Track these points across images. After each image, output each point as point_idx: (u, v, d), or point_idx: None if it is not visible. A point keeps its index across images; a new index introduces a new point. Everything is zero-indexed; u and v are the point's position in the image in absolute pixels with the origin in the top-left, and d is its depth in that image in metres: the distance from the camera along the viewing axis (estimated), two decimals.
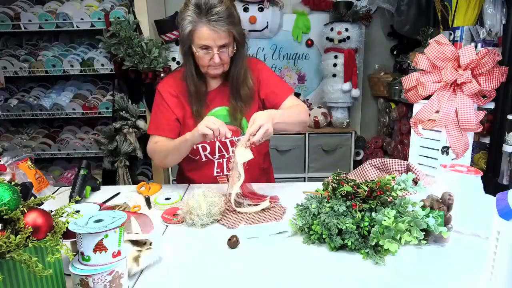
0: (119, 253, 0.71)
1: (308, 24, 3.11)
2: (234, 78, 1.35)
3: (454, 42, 1.90)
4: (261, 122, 1.15)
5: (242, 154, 1.15)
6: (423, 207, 0.93)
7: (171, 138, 1.37)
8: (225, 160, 1.41)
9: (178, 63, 2.66)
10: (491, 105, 1.73)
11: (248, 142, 1.15)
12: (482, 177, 0.99)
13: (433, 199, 0.94)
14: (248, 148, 1.15)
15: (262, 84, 1.40)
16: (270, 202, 1.20)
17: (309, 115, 1.41)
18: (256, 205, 1.18)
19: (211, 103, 1.39)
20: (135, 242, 0.85)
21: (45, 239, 0.65)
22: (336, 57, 2.88)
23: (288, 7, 3.10)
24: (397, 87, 2.66)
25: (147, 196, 1.29)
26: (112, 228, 0.68)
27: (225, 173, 1.43)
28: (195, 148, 1.37)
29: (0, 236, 0.61)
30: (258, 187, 1.34)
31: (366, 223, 0.88)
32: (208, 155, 1.39)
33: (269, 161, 1.61)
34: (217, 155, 1.40)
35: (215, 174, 1.43)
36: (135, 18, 2.53)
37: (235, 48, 1.29)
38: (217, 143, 1.38)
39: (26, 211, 0.67)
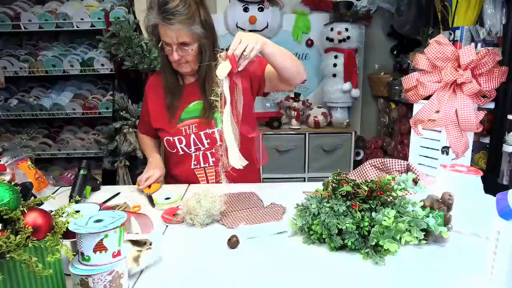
0: (119, 253, 0.71)
1: (308, 24, 3.11)
2: (200, 76, 1.39)
3: (454, 42, 1.90)
4: (241, 37, 1.10)
5: (222, 67, 1.08)
6: (423, 207, 0.93)
7: (145, 134, 1.60)
8: (201, 152, 1.44)
9: None
10: (491, 105, 1.73)
11: (224, 54, 1.09)
12: (482, 177, 0.99)
13: (433, 199, 0.94)
14: (226, 61, 1.08)
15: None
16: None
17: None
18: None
19: (188, 97, 1.43)
20: (135, 242, 0.85)
21: (45, 239, 0.65)
22: (336, 57, 2.89)
23: (288, 7, 3.10)
24: (397, 87, 2.66)
25: (149, 194, 1.29)
26: (112, 228, 0.68)
27: (202, 165, 1.44)
28: (171, 141, 1.43)
29: (0, 236, 0.61)
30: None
31: (366, 223, 0.88)
32: (184, 148, 1.43)
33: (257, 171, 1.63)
34: (193, 148, 1.42)
35: (192, 167, 1.45)
36: (135, 18, 2.53)
37: (199, 47, 1.30)
38: (192, 136, 1.41)
39: (26, 211, 0.67)
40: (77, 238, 0.68)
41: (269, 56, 1.19)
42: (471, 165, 1.26)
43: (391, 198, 0.95)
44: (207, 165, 1.44)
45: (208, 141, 1.41)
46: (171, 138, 1.42)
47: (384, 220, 0.87)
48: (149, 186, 1.35)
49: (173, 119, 1.42)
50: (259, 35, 1.16)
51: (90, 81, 3.00)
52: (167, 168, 1.53)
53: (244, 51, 1.07)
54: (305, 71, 1.32)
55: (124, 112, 2.57)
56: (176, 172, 1.49)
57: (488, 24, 1.82)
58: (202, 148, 1.43)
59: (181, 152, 1.44)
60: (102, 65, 2.65)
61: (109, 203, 1.24)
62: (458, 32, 1.89)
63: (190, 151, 1.43)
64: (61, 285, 0.72)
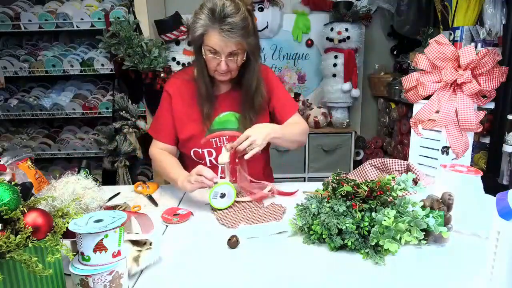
0: (119, 253, 0.71)
1: (308, 24, 3.11)
2: (247, 87, 1.32)
3: (454, 42, 1.90)
4: (249, 134, 1.19)
5: (222, 156, 1.20)
6: (423, 207, 0.93)
7: (167, 144, 1.40)
8: (230, 166, 1.41)
9: (178, 63, 2.66)
10: (491, 105, 1.73)
11: (229, 146, 1.19)
12: (482, 177, 0.99)
13: (433, 199, 0.94)
14: (228, 153, 1.18)
15: (273, 96, 1.40)
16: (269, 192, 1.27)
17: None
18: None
19: (220, 107, 1.37)
20: (135, 242, 0.85)
21: (45, 239, 0.65)
22: (336, 57, 2.89)
23: (288, 7, 3.10)
24: (397, 87, 2.66)
25: (149, 195, 1.29)
26: (112, 228, 0.68)
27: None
28: (200, 152, 1.36)
29: (0, 236, 0.61)
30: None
31: (366, 223, 0.88)
32: (213, 161, 1.38)
33: (270, 173, 1.59)
34: None
35: (219, 179, 1.41)
36: (135, 18, 2.53)
37: (246, 57, 1.26)
38: (224, 149, 1.37)
39: (26, 211, 0.67)
40: (77, 238, 0.69)
41: (275, 143, 1.28)
42: (471, 165, 1.26)
43: (391, 198, 0.95)
44: (234, 178, 1.40)
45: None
46: (199, 150, 1.36)
47: (384, 220, 0.87)
48: (148, 187, 1.35)
49: (203, 129, 1.36)
50: (271, 128, 1.25)
51: (90, 81, 3.00)
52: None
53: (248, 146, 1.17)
54: (306, 137, 1.44)
55: (124, 112, 2.57)
56: None
57: (488, 24, 1.81)
58: None
59: (209, 164, 1.38)
60: (102, 65, 2.65)
61: (109, 203, 1.23)
62: (458, 32, 1.89)
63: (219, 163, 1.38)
64: (61, 285, 0.72)
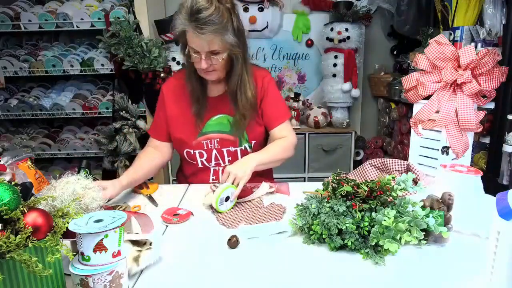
0: (119, 253, 0.71)
1: (308, 24, 3.11)
2: (230, 89, 1.33)
3: (454, 42, 1.90)
4: (230, 170, 1.20)
5: (208, 199, 1.18)
6: (423, 207, 0.93)
7: (160, 140, 1.43)
8: (221, 168, 1.41)
9: (178, 63, 2.66)
10: (491, 105, 1.73)
11: (215, 188, 1.18)
12: (482, 177, 0.99)
13: (433, 199, 0.94)
14: (211, 193, 1.17)
15: (265, 99, 1.40)
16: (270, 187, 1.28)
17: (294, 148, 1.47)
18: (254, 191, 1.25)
19: (213, 110, 1.38)
20: (135, 242, 0.85)
21: (45, 239, 0.65)
22: (336, 57, 2.89)
23: (288, 7, 3.10)
24: (397, 87, 2.66)
25: (149, 195, 1.29)
26: (112, 228, 0.68)
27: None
28: (192, 153, 1.38)
29: (0, 236, 0.61)
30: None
31: (366, 223, 0.88)
32: (205, 162, 1.40)
33: (269, 172, 1.59)
34: (213, 162, 1.40)
35: (210, 181, 1.43)
36: (135, 18, 2.53)
37: (229, 57, 1.24)
38: (214, 151, 1.38)
39: (26, 211, 0.67)
40: (77, 238, 0.69)
41: (259, 170, 1.30)
42: (471, 165, 1.25)
43: (391, 198, 0.95)
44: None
45: (230, 158, 1.39)
46: (191, 151, 1.38)
47: (384, 220, 0.87)
48: (148, 187, 1.35)
49: (195, 131, 1.37)
50: (249, 161, 1.26)
51: (90, 81, 3.00)
52: (185, 173, 1.50)
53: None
54: (293, 150, 1.45)
55: (124, 112, 2.58)
56: (193, 181, 1.45)
57: (488, 24, 1.81)
58: (223, 164, 1.40)
59: (200, 165, 1.41)
60: (102, 65, 2.65)
61: (109, 203, 1.23)
62: (458, 32, 1.89)
63: (210, 165, 1.40)
64: (61, 285, 0.72)
